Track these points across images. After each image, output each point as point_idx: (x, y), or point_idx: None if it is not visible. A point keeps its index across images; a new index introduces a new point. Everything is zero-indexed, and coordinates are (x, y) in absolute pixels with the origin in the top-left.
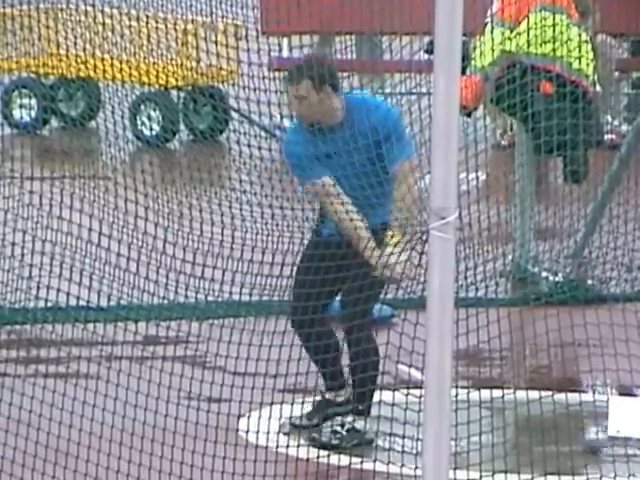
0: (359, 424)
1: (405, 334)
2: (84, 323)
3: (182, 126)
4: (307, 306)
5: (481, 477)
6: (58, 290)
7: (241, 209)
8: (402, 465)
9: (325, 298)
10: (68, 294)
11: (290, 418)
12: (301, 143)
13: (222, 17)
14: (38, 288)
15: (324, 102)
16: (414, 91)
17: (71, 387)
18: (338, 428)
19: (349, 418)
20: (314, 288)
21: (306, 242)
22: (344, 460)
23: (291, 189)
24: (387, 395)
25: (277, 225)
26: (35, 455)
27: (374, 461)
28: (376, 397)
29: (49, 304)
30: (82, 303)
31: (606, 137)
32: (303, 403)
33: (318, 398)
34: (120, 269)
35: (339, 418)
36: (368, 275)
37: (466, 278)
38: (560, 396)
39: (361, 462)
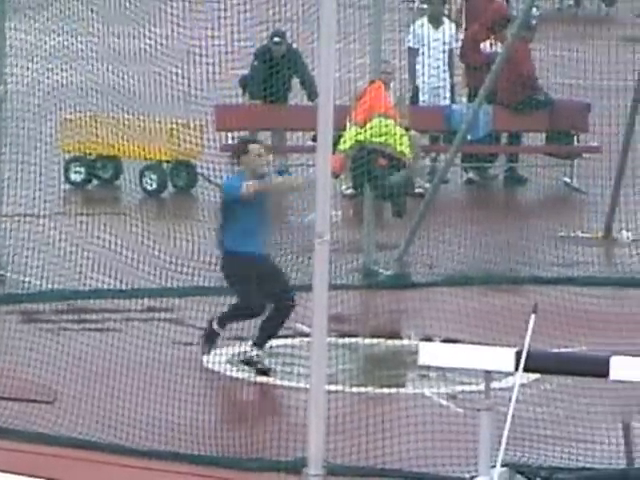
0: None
1: (301, 305)
2: (115, 299)
3: (169, 184)
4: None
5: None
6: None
7: (203, 234)
8: (299, 382)
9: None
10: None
11: (239, 354)
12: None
13: (193, 120)
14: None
15: None
16: (309, 164)
17: (94, 335)
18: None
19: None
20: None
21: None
22: (265, 379)
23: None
24: (290, 341)
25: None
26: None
27: (280, 379)
28: (284, 342)
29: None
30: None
31: (416, 190)
32: (240, 346)
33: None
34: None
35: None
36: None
37: (336, 272)
38: (391, 341)
39: (273, 379)
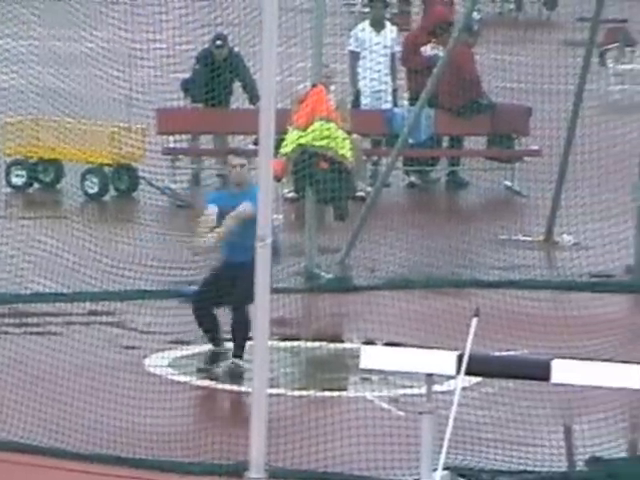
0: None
1: None
2: (57, 303)
3: (111, 187)
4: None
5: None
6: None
7: (145, 237)
8: (243, 385)
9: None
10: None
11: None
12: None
13: (135, 123)
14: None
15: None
16: (250, 167)
17: (36, 339)
18: (232, 366)
19: (234, 360)
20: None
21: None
22: (207, 383)
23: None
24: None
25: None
26: None
27: (222, 382)
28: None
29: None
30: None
31: (358, 193)
32: (183, 350)
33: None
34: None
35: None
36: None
37: (277, 276)
38: (333, 344)
39: (215, 383)
